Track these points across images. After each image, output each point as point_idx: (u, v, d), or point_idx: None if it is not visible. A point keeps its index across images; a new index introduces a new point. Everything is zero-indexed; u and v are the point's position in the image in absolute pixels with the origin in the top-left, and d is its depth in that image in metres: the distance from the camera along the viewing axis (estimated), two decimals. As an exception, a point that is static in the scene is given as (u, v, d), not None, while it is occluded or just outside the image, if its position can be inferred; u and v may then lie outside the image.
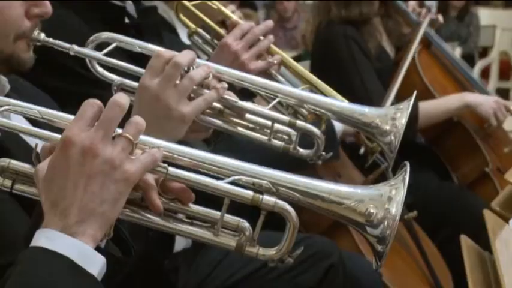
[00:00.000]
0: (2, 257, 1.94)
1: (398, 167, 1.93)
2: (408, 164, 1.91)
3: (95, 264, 1.71)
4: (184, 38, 3.64)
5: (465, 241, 2.82)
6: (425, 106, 4.43)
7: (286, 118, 2.60)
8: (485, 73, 10.15)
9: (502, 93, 8.78)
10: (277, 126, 2.60)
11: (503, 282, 2.34)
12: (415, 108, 4.31)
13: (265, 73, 3.13)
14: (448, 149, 4.67)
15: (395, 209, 1.84)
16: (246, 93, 2.77)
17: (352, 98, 3.20)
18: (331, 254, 3.35)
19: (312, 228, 3.80)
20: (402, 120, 2.64)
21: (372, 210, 1.86)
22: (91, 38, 2.68)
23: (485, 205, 3.15)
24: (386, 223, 1.84)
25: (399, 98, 4.49)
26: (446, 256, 4.15)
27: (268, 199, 1.83)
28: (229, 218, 1.87)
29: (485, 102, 4.56)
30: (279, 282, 3.10)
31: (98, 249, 1.74)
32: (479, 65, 10.28)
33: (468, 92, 4.72)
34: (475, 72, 9.16)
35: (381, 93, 4.29)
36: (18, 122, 1.97)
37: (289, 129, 2.62)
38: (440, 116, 4.52)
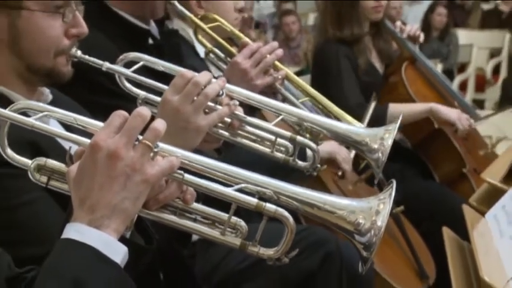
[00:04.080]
0: (41, 247, 1.92)
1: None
2: (395, 182, 1.91)
3: (118, 253, 1.70)
4: (202, 54, 3.63)
5: (447, 232, 2.82)
6: (396, 107, 4.40)
7: (287, 134, 2.58)
8: (463, 86, 10.13)
9: (478, 103, 8.76)
10: (279, 140, 2.58)
11: (480, 268, 2.32)
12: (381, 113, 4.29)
13: (270, 87, 3.13)
14: (431, 153, 4.67)
15: (381, 221, 1.84)
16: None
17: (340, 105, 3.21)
18: (329, 241, 3.35)
19: (312, 220, 3.78)
20: (389, 141, 2.63)
21: (360, 221, 1.86)
22: (120, 56, 2.68)
23: (463, 201, 3.13)
24: (372, 232, 1.85)
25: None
26: (430, 245, 4.13)
27: (270, 206, 1.82)
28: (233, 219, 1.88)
29: (448, 109, 4.54)
30: (284, 266, 3.09)
31: (123, 239, 1.74)
32: (458, 79, 10.27)
33: (448, 103, 4.72)
34: (454, 85, 9.16)
35: (358, 102, 4.25)
36: (54, 127, 1.95)
37: (290, 144, 2.59)
38: (409, 115, 4.42)
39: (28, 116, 1.86)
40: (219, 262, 3.26)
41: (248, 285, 3.30)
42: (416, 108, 4.50)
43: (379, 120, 4.02)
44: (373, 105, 4.13)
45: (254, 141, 2.60)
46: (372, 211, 1.87)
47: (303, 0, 13.02)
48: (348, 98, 4.25)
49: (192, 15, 3.37)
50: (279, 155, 2.60)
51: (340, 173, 4.05)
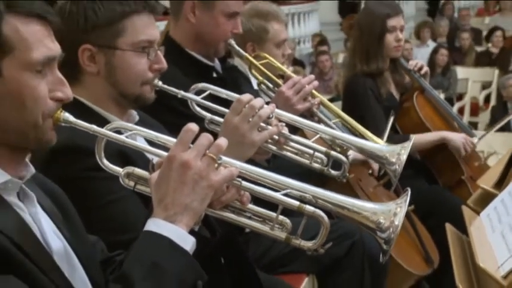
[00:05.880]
0: (127, 234, 1.94)
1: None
2: (409, 190, 1.90)
3: (188, 243, 1.70)
4: (255, 85, 3.64)
5: (449, 228, 2.79)
6: (416, 138, 4.36)
7: (323, 149, 2.60)
8: (461, 111, 10.01)
9: (473, 125, 8.65)
10: (316, 154, 2.59)
11: (477, 257, 2.29)
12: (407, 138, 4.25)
13: (309, 110, 3.13)
14: (436, 163, 4.61)
15: (398, 221, 1.83)
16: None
17: (364, 126, 3.21)
18: (354, 233, 3.33)
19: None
20: (404, 156, 2.67)
21: (381, 221, 1.85)
22: (192, 86, 2.73)
23: (462, 202, 3.09)
24: (391, 230, 1.84)
25: (402, 126, 4.46)
26: (435, 238, 4.05)
27: (309, 208, 1.82)
28: (281, 217, 1.88)
29: (456, 138, 4.47)
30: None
31: (192, 231, 1.73)
32: (457, 105, 10.16)
33: (450, 124, 4.66)
34: (454, 110, 9.06)
35: (382, 125, 4.20)
36: (141, 143, 2.00)
37: (325, 157, 2.60)
38: (425, 144, 4.44)
39: (120, 133, 1.87)
40: (268, 248, 3.26)
41: (290, 266, 3.29)
42: (431, 138, 4.45)
43: None
44: (391, 120, 4.09)
45: (296, 154, 2.62)
46: (391, 213, 1.85)
47: (334, 42, 13.02)
48: (376, 123, 4.19)
49: (247, 55, 3.39)
50: (316, 165, 2.61)
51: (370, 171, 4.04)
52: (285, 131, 2.56)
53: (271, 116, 2.48)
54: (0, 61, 1.61)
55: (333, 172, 2.62)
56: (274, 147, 2.57)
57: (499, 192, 2.71)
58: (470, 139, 4.51)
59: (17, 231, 1.60)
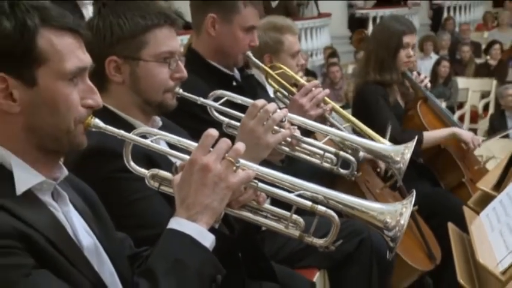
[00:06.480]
0: (154, 229, 1.92)
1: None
2: (414, 191, 1.89)
3: (208, 239, 1.70)
4: (270, 93, 3.64)
5: (451, 227, 2.78)
6: (428, 134, 4.33)
7: (333, 149, 2.61)
8: (461, 119, 9.96)
9: (472, 132, 8.60)
10: (326, 154, 2.59)
11: (477, 254, 2.28)
12: (419, 138, 4.19)
13: (321, 116, 3.13)
14: (438, 166, 4.58)
15: (404, 220, 1.83)
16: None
17: (377, 129, 3.20)
18: (363, 231, 3.31)
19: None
20: (408, 155, 2.69)
21: (388, 220, 1.84)
22: (210, 93, 2.72)
23: (463, 203, 3.07)
24: (397, 229, 1.83)
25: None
26: (437, 236, 4.02)
27: (321, 208, 1.82)
28: (295, 216, 1.87)
29: (466, 133, 4.48)
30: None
31: (212, 229, 1.73)
32: (457, 113, 10.10)
33: None
34: (455, 117, 9.01)
35: (395, 125, 4.17)
36: (164, 147, 1.99)
37: (334, 157, 2.60)
38: (437, 139, 4.39)
39: (146, 138, 1.87)
40: (283, 245, 3.24)
41: (304, 261, 3.28)
42: (443, 133, 4.42)
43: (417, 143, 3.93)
44: (389, 130, 4.08)
45: (308, 155, 2.62)
46: (397, 213, 1.85)
47: (344, 55, 13.01)
48: (388, 123, 4.15)
49: (264, 65, 3.40)
50: (326, 165, 2.62)
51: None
52: (297, 133, 2.57)
53: (284, 119, 2.47)
54: (36, 71, 1.61)
55: (342, 171, 2.62)
56: (287, 149, 2.58)
57: (497, 194, 2.70)
58: (478, 138, 4.51)
59: (51, 229, 1.61)
